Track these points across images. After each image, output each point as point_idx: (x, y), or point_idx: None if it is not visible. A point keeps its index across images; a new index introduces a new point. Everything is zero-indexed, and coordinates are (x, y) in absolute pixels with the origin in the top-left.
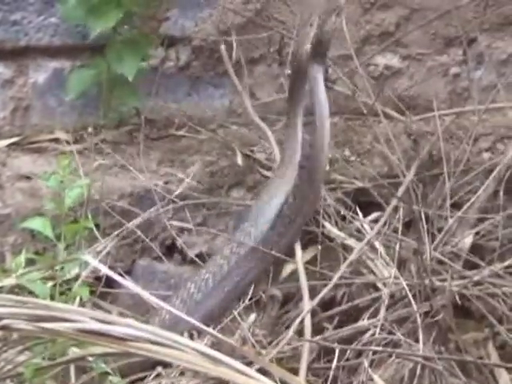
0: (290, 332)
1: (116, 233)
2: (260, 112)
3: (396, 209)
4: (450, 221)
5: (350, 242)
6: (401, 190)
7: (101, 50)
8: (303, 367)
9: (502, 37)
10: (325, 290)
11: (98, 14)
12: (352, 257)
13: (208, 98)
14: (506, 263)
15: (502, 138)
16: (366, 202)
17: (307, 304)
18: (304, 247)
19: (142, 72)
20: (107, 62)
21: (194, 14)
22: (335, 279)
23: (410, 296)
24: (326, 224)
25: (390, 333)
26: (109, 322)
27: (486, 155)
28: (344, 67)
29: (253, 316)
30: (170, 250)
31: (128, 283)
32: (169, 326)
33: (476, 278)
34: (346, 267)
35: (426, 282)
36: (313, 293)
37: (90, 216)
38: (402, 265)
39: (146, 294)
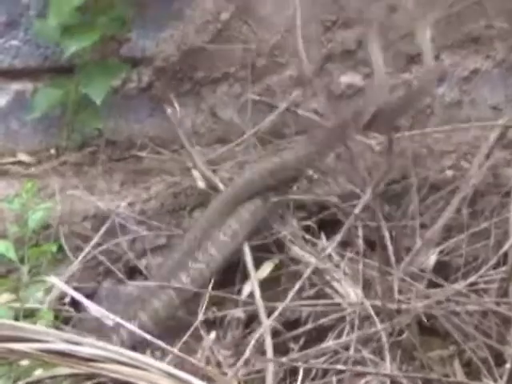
0: (247, 352)
1: (81, 255)
2: (222, 132)
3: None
4: (418, 240)
5: (311, 259)
6: (357, 209)
7: (66, 71)
8: None
9: (465, 54)
10: (280, 308)
11: (74, 36)
12: (308, 271)
13: (170, 119)
14: (468, 281)
15: (466, 155)
16: (330, 221)
17: (265, 323)
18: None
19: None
20: (75, 83)
21: (155, 35)
22: (290, 296)
23: (374, 316)
24: (289, 244)
25: (356, 352)
26: (75, 343)
27: (449, 173)
28: (306, 86)
29: (213, 334)
30: (134, 271)
31: (91, 305)
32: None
33: (440, 298)
34: (307, 287)
35: (391, 302)
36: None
37: (53, 239)
38: (367, 285)
39: (106, 315)
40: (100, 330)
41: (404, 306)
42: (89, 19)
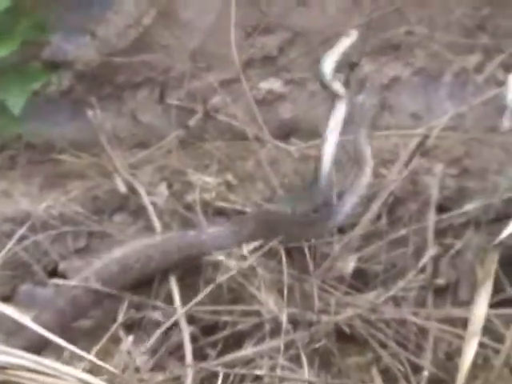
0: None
1: None
2: (142, 136)
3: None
4: (336, 247)
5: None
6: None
7: None
8: None
9: (385, 61)
10: (191, 304)
11: None
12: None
13: (91, 122)
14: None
15: (385, 163)
16: None
17: (185, 329)
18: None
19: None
20: None
21: (76, 39)
22: (199, 298)
23: (290, 324)
24: None
25: (274, 358)
26: None
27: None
28: (227, 91)
29: (131, 338)
30: (53, 275)
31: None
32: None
33: (360, 310)
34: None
35: (310, 310)
36: (193, 318)
37: None
38: (289, 292)
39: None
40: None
41: (324, 317)
42: (9, 25)
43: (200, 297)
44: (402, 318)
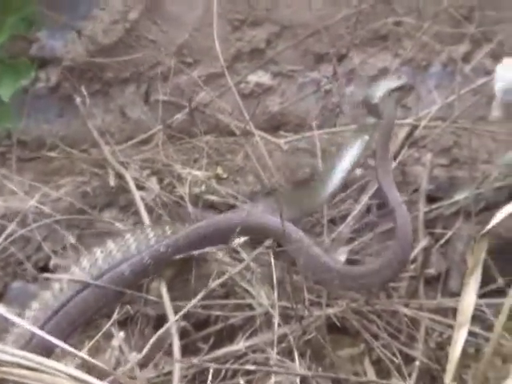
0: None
1: None
2: (130, 131)
3: None
4: (327, 238)
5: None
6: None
7: None
8: None
9: (373, 52)
10: (188, 306)
11: None
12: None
13: (80, 118)
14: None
15: (374, 153)
16: None
17: (173, 324)
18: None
19: (14, 93)
20: None
21: (64, 35)
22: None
23: (282, 318)
24: None
25: (266, 352)
26: None
27: (358, 171)
28: (215, 85)
29: (122, 334)
30: (44, 271)
31: None
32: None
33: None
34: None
35: (301, 303)
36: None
37: None
38: (279, 285)
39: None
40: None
41: (315, 311)
42: None
43: (194, 302)
44: (394, 309)
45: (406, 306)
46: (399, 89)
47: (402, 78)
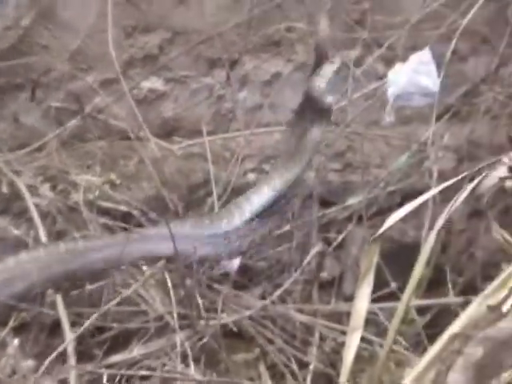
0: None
1: None
2: (24, 138)
3: None
4: None
5: None
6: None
7: None
8: None
9: (266, 57)
10: (89, 321)
11: None
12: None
13: None
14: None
15: (268, 159)
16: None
17: (68, 333)
18: None
19: None
20: None
21: None
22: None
23: (176, 324)
24: None
25: (161, 358)
26: None
27: (251, 176)
28: (109, 91)
29: (16, 341)
30: None
31: None
32: None
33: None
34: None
35: (196, 309)
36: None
37: None
38: (175, 290)
39: None
40: None
41: (212, 320)
42: None
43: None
44: (288, 315)
45: (301, 311)
46: (339, 68)
47: (335, 58)
